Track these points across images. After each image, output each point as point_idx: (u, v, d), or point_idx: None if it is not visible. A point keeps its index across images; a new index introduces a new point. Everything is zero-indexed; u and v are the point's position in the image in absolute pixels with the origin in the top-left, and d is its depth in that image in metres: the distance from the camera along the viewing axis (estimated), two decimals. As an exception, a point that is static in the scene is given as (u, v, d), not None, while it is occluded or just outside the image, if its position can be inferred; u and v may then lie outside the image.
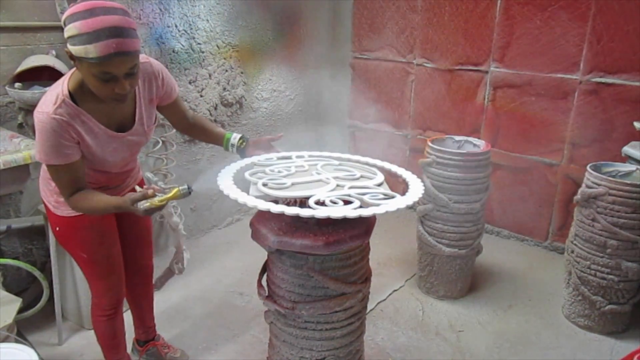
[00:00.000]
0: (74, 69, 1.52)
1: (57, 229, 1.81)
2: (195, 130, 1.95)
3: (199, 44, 3.12)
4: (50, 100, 1.51)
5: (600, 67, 3.00)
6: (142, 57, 1.63)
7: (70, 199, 1.61)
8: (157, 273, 2.98)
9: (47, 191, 1.78)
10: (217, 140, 1.90)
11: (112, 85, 1.44)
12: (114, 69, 1.40)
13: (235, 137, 1.87)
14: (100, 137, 1.61)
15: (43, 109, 1.50)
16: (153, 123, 1.79)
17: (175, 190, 1.53)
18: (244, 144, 1.87)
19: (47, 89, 2.24)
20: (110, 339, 2.02)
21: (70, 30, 1.38)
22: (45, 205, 1.82)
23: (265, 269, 1.74)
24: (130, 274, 2.05)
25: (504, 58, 3.34)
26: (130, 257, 2.02)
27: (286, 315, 1.61)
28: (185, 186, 1.54)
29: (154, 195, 1.52)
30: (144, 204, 1.50)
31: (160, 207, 1.53)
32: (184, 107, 1.92)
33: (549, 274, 3.13)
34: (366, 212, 1.39)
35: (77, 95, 1.54)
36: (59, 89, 1.53)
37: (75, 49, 1.38)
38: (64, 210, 1.73)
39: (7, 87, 2.28)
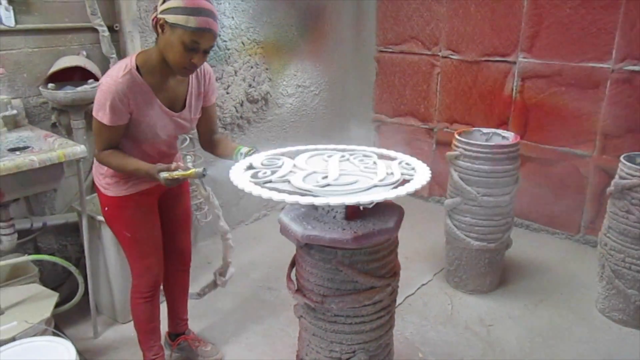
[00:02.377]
0: (139, 51, 1.78)
1: (106, 209, 1.93)
2: (216, 146, 2.02)
3: (225, 41, 3.14)
4: (118, 68, 1.71)
5: (633, 54, 2.92)
6: None
7: (101, 152, 1.77)
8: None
9: (98, 175, 1.91)
10: (230, 153, 1.93)
11: (191, 55, 1.66)
12: (203, 41, 1.64)
13: (245, 148, 1.88)
14: (155, 110, 1.77)
15: (111, 74, 1.70)
16: (197, 115, 1.94)
17: (192, 170, 1.68)
18: (253, 152, 1.86)
19: (78, 89, 2.32)
20: (147, 323, 2.10)
21: (172, 3, 1.61)
22: (97, 188, 1.94)
23: (294, 263, 1.75)
24: (168, 259, 2.13)
25: (532, 48, 3.28)
26: (169, 241, 2.11)
27: (315, 309, 1.62)
28: (202, 169, 1.68)
29: (176, 170, 1.67)
30: (164, 174, 1.66)
31: (177, 180, 1.67)
32: (215, 119, 2.06)
33: (581, 267, 3.07)
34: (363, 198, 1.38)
35: (143, 69, 1.73)
36: (127, 61, 1.73)
37: (175, 18, 1.60)
38: (113, 191, 1.87)
39: (40, 88, 2.34)
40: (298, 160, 1.73)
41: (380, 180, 1.53)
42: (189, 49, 1.64)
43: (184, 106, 1.86)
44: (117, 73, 1.68)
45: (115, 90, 1.66)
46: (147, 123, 1.78)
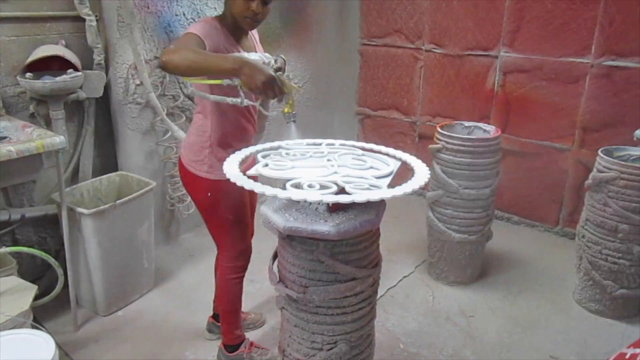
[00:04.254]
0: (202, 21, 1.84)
1: (209, 194, 1.93)
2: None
3: (207, 32, 3.11)
4: (203, 20, 1.83)
5: (612, 50, 2.96)
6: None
7: (174, 48, 1.63)
8: (170, 259, 3.02)
9: (196, 162, 1.91)
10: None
11: (249, 4, 1.75)
12: None
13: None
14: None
15: (198, 22, 1.82)
16: None
17: (293, 91, 1.60)
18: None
19: (57, 79, 2.29)
20: (237, 302, 2.16)
21: None
22: (192, 178, 1.93)
23: (276, 255, 1.75)
24: None
25: (514, 43, 3.31)
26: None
27: (297, 300, 1.62)
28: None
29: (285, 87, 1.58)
30: (274, 73, 1.53)
31: (281, 85, 1.55)
32: None
33: (560, 259, 3.12)
34: (345, 198, 1.37)
35: (221, 25, 1.83)
36: (207, 19, 1.85)
37: None
38: (217, 174, 1.83)
39: (18, 77, 2.30)
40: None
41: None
42: None
43: None
44: (206, 19, 1.81)
45: (205, 23, 1.77)
46: None
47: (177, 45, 1.68)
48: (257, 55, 1.88)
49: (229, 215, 1.97)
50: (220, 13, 1.89)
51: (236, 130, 1.94)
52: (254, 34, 2.02)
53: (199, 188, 1.95)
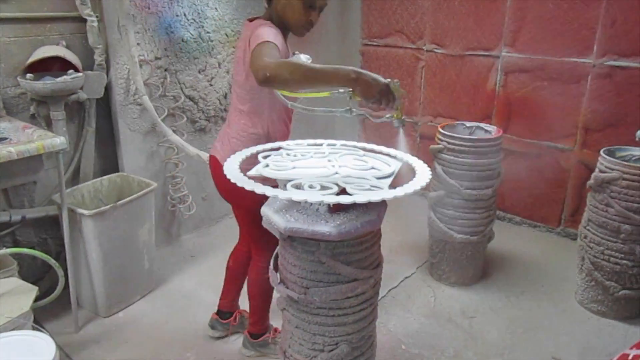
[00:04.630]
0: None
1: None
2: None
3: (208, 32, 3.11)
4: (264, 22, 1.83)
5: (614, 50, 2.95)
6: None
7: (276, 61, 1.58)
8: (171, 261, 3.02)
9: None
10: None
11: (309, 14, 1.82)
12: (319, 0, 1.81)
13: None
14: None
15: (264, 25, 1.80)
16: None
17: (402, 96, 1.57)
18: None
19: (57, 79, 2.28)
20: (270, 297, 2.19)
21: None
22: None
23: (277, 255, 1.75)
24: None
25: (515, 43, 3.30)
26: None
27: (298, 301, 1.62)
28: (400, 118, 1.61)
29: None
30: (392, 84, 1.52)
31: (394, 93, 1.53)
32: None
33: (562, 260, 3.11)
34: (346, 199, 1.37)
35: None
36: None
37: None
38: None
39: (18, 78, 2.30)
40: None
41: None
42: (307, 7, 1.80)
43: None
44: (265, 23, 1.81)
45: (274, 29, 1.78)
46: None
47: (267, 56, 1.60)
48: (305, 57, 1.92)
49: None
50: (263, 15, 1.90)
51: (280, 132, 1.98)
52: None
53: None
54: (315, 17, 1.83)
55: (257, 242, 2.11)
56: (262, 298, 2.20)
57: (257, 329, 2.26)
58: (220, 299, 2.40)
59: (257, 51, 1.63)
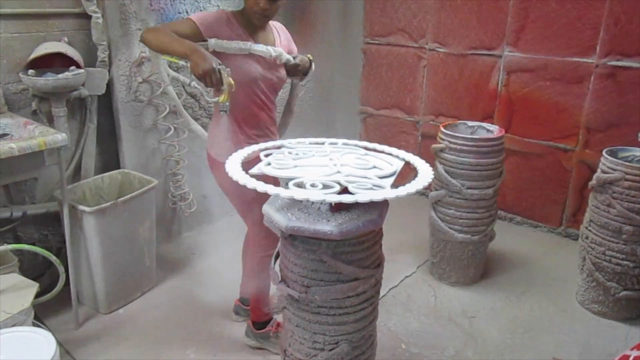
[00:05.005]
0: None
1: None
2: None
3: (210, 30, 3.10)
4: (217, 10, 2.01)
5: (617, 50, 2.94)
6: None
7: (154, 28, 1.93)
8: (172, 258, 3.02)
9: (217, 147, 2.01)
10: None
11: (259, 1, 1.86)
12: None
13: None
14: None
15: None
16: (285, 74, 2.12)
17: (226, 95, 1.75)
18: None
19: (59, 76, 2.28)
20: (266, 280, 2.21)
21: None
22: (216, 164, 2.00)
23: (278, 254, 1.74)
24: None
25: (518, 42, 3.29)
26: None
27: (299, 300, 1.61)
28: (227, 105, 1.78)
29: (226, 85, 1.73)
30: (220, 66, 1.70)
31: (219, 76, 1.70)
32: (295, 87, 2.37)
33: (563, 260, 3.11)
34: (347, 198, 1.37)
35: (236, 18, 1.96)
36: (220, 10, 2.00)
37: None
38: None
39: (20, 74, 2.29)
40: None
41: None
42: None
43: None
44: (218, 10, 1.98)
45: (215, 12, 1.93)
46: (248, 65, 1.92)
47: (164, 25, 1.87)
48: (265, 47, 1.95)
49: (254, 193, 1.97)
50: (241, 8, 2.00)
51: (248, 117, 2.02)
52: (280, 32, 2.13)
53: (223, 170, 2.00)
54: (265, 4, 1.86)
55: (247, 221, 2.17)
56: (257, 280, 2.22)
57: (257, 316, 2.29)
58: (241, 286, 2.47)
59: (180, 21, 1.92)
